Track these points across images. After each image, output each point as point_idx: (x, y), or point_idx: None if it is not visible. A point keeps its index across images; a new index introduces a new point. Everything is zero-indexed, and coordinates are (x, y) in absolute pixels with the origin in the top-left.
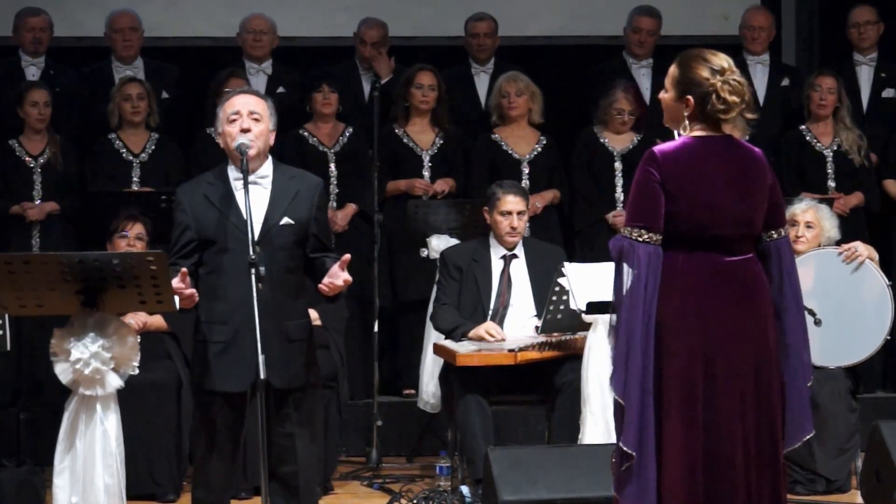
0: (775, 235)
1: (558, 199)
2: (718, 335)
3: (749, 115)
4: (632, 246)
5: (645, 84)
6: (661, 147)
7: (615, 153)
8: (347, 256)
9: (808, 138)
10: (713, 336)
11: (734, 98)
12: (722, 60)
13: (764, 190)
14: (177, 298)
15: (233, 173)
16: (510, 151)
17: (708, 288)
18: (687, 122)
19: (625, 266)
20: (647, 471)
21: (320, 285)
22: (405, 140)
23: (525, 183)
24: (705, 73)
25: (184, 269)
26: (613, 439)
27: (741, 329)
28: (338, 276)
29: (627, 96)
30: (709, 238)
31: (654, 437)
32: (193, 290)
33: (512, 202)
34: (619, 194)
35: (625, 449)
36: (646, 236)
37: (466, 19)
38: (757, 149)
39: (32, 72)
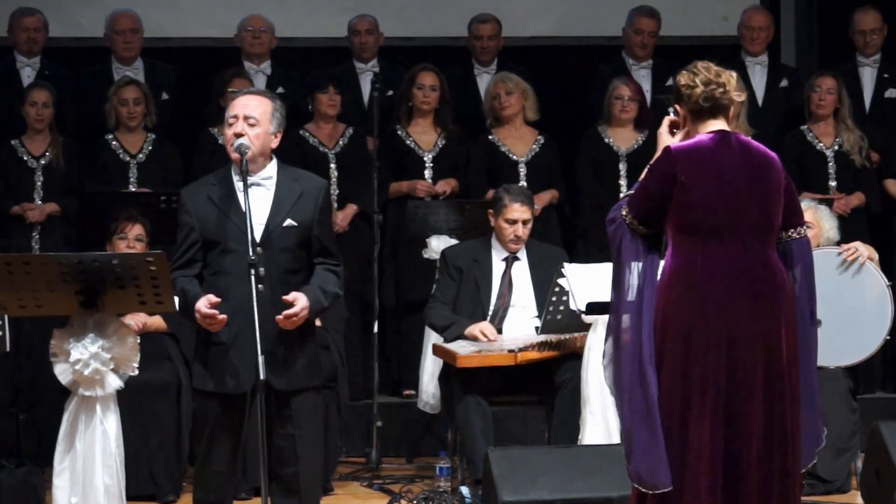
0: (794, 235)
1: (556, 199)
2: (736, 333)
3: (718, 92)
4: (620, 222)
5: (645, 86)
6: (677, 144)
7: (620, 154)
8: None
9: (808, 138)
10: (731, 334)
11: (695, 79)
12: (699, 61)
13: (779, 185)
14: (176, 299)
15: (235, 174)
16: (507, 152)
17: (726, 283)
18: (686, 130)
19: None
20: (658, 447)
21: (277, 318)
22: (407, 141)
23: (523, 183)
24: (679, 77)
25: (213, 298)
26: (614, 440)
27: (755, 327)
28: (293, 312)
29: (629, 84)
30: (724, 229)
31: (677, 425)
32: (225, 316)
33: (518, 211)
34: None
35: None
36: (633, 223)
37: (470, 21)
38: (772, 152)
39: (28, 72)
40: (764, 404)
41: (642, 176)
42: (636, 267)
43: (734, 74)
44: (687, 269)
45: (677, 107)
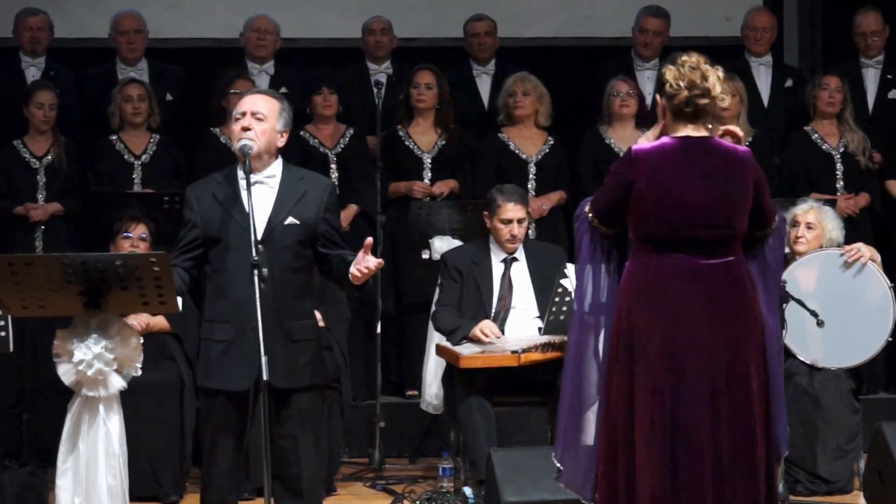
0: (759, 234)
1: (564, 200)
2: (688, 340)
3: (701, 101)
4: (584, 220)
5: (648, 88)
6: (639, 145)
7: (621, 154)
8: (370, 240)
9: (814, 139)
10: (682, 341)
11: (679, 82)
12: (685, 54)
13: (744, 191)
14: (179, 300)
15: (240, 173)
16: (517, 152)
17: (680, 291)
18: (664, 123)
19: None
20: (587, 453)
21: (351, 271)
22: (407, 142)
23: (532, 184)
24: (665, 70)
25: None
26: None
27: (713, 334)
28: (367, 261)
29: (626, 79)
30: (681, 239)
31: (625, 429)
32: None
33: (512, 210)
34: None
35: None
36: (594, 222)
37: (465, 20)
38: (743, 148)
39: (32, 72)
40: (720, 409)
41: (606, 175)
42: (590, 270)
43: (721, 76)
44: (640, 276)
45: (657, 97)
